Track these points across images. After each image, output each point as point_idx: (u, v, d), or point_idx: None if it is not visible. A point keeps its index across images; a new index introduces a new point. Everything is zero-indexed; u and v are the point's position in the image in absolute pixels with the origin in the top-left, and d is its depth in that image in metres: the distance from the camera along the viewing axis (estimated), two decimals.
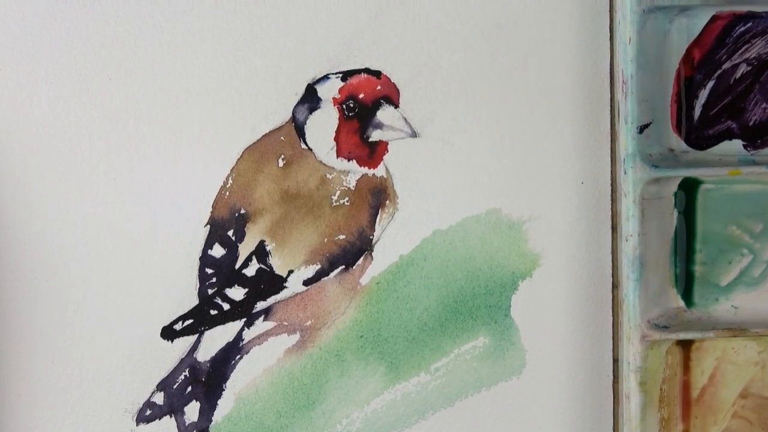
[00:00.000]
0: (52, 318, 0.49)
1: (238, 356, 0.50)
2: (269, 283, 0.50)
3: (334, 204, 0.50)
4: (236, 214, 0.50)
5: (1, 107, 0.49)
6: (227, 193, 0.50)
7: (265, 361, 0.51)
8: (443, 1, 0.50)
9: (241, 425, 0.51)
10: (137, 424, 0.50)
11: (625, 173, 0.48)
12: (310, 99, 0.50)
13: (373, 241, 0.50)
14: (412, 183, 0.50)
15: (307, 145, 0.50)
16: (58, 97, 0.49)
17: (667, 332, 0.48)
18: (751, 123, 0.50)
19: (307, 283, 0.50)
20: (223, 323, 0.50)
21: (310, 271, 0.50)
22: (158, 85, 0.49)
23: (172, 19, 0.49)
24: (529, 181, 0.51)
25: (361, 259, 0.50)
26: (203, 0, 0.49)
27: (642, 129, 0.48)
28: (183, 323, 0.50)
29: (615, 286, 0.51)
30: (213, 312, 0.50)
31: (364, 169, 0.50)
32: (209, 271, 0.50)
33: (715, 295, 0.50)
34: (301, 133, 0.50)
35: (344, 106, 0.50)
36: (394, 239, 0.51)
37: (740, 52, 0.49)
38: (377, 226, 0.50)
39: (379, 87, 0.50)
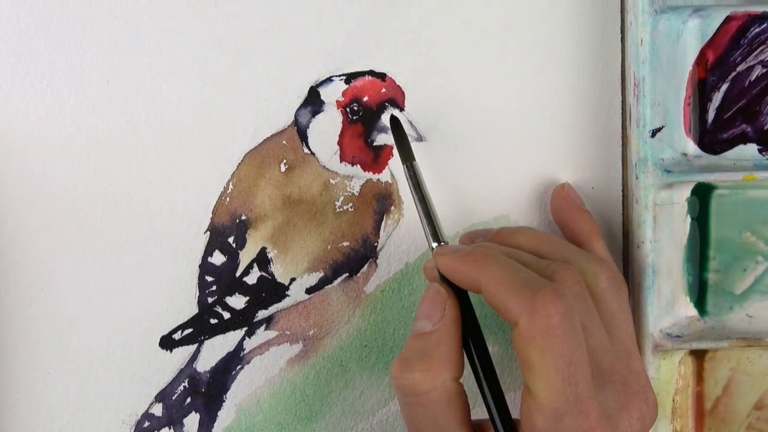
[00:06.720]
0: (48, 327, 0.49)
1: (239, 366, 0.50)
2: (271, 291, 0.49)
3: (338, 210, 0.49)
4: (237, 221, 0.49)
5: None
6: (228, 199, 0.49)
7: (266, 371, 0.50)
8: (449, 1, 0.49)
9: None
10: None
11: (637, 178, 0.47)
12: (313, 102, 0.49)
13: (378, 248, 0.50)
14: None
15: (309, 149, 0.49)
16: (54, 100, 0.48)
17: (679, 342, 0.48)
18: (766, 127, 0.49)
19: (309, 291, 0.50)
20: (224, 332, 0.50)
21: (313, 278, 0.49)
22: (157, 87, 0.49)
23: (171, 19, 0.48)
24: (538, 187, 0.50)
25: (366, 266, 0.50)
26: (203, 0, 0.48)
27: (654, 133, 0.47)
28: (182, 332, 0.49)
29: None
30: (213, 321, 0.49)
31: (369, 174, 0.50)
32: (209, 278, 0.49)
33: (729, 304, 0.49)
34: (303, 137, 0.49)
35: (348, 110, 0.49)
36: (399, 246, 0.50)
37: (755, 53, 0.48)
38: (382, 233, 0.50)
39: (384, 90, 0.49)
